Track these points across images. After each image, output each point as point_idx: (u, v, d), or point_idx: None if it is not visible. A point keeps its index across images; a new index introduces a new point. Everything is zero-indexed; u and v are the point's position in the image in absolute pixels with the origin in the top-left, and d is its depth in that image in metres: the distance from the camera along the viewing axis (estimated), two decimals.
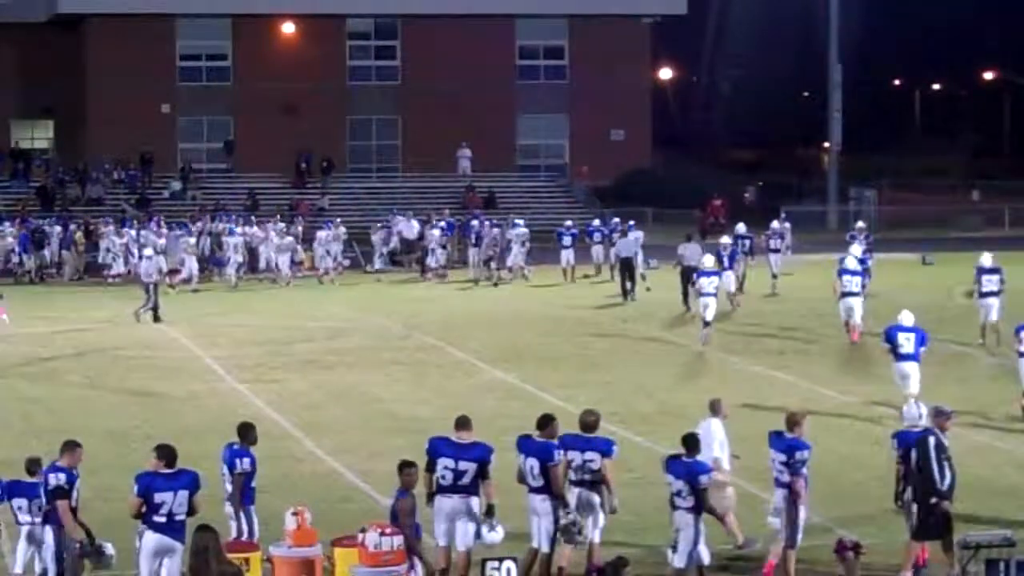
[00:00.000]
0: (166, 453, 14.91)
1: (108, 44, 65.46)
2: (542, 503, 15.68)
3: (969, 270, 33.86)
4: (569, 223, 48.66)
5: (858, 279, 33.37)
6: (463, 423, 15.94)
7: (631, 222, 47.02)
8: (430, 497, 15.83)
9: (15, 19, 66.51)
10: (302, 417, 25.19)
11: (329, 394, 27.80)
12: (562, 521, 15.64)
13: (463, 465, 15.55)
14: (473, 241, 48.95)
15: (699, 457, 15.76)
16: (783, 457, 15.96)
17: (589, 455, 15.97)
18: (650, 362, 31.20)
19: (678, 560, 15.28)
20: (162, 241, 48.01)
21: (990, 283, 32.01)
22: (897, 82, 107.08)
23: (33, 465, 15.82)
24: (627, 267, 41.85)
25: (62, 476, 15.05)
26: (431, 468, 15.75)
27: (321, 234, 49.83)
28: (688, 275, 37.96)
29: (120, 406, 26.78)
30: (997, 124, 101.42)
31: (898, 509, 16.60)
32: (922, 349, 24.79)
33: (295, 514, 15.32)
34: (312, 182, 65.49)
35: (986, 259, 32.74)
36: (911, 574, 16.23)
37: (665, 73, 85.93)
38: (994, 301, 31.82)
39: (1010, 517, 17.80)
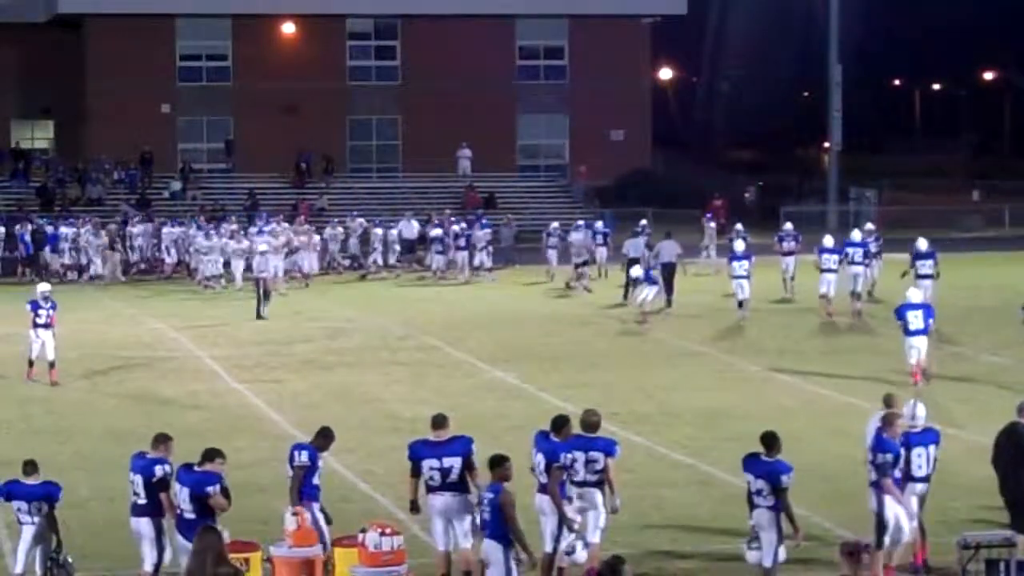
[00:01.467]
0: (204, 452, 15.26)
1: (108, 44, 65.46)
2: (550, 503, 15.67)
3: (970, 270, 34.30)
4: (580, 223, 48.26)
5: (836, 257, 36.81)
6: (439, 422, 16.03)
7: (643, 222, 46.79)
8: (413, 505, 15.96)
9: (15, 19, 66.51)
10: (302, 417, 25.16)
11: (329, 394, 27.79)
12: (563, 545, 15.58)
13: (447, 462, 15.61)
14: (462, 244, 48.63)
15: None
16: (870, 456, 16.04)
17: (593, 455, 15.97)
18: (650, 362, 31.19)
19: (765, 559, 15.24)
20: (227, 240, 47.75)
21: (924, 267, 35.50)
22: (897, 82, 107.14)
23: (29, 467, 15.79)
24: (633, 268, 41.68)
25: (168, 467, 15.33)
26: (416, 473, 15.84)
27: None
28: (666, 272, 39.32)
29: (120, 406, 26.78)
30: (997, 124, 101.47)
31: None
32: (930, 321, 27.82)
33: (295, 514, 15.32)
34: (312, 182, 65.50)
35: (921, 243, 36.08)
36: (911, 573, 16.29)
37: (665, 73, 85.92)
38: (928, 283, 34.98)
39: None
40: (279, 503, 17.16)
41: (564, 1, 69.68)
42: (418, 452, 15.83)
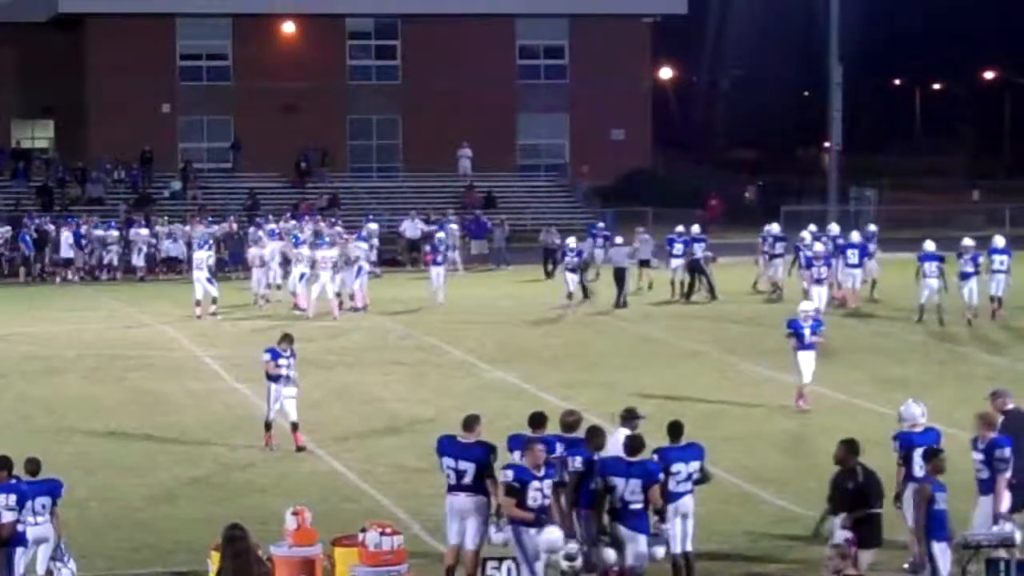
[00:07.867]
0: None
1: (108, 44, 65.44)
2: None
3: None
4: (680, 229, 44.25)
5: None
6: (468, 423, 16.00)
7: (695, 227, 45.26)
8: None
9: (15, 19, 66.49)
10: (302, 417, 25.13)
11: (329, 394, 27.76)
12: (565, 551, 15.47)
13: (463, 465, 15.62)
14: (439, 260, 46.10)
15: None
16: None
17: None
18: (650, 362, 31.18)
19: None
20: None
21: (778, 248, 41.92)
22: (897, 82, 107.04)
23: (32, 464, 15.73)
24: (695, 270, 41.72)
25: (510, 473, 15.14)
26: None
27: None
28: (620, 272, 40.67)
29: (120, 406, 26.75)
30: (997, 124, 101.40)
31: (897, 509, 16.58)
32: (864, 260, 38.47)
33: (295, 514, 15.29)
34: (313, 182, 65.51)
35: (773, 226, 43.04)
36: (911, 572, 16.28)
37: (665, 73, 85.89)
38: (779, 261, 41.76)
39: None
40: (279, 503, 17.14)
41: (564, 1, 69.66)
42: (442, 447, 15.89)
